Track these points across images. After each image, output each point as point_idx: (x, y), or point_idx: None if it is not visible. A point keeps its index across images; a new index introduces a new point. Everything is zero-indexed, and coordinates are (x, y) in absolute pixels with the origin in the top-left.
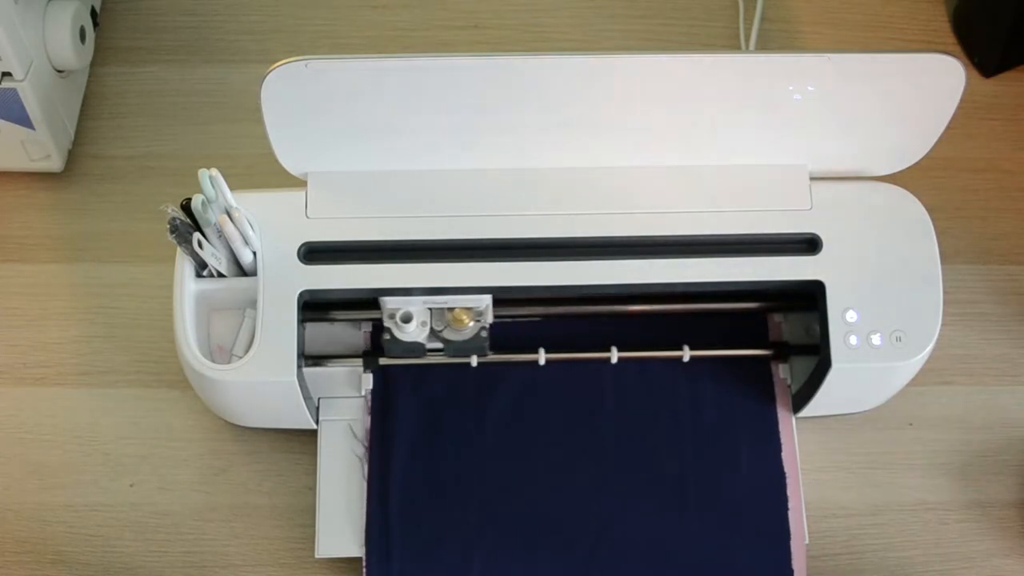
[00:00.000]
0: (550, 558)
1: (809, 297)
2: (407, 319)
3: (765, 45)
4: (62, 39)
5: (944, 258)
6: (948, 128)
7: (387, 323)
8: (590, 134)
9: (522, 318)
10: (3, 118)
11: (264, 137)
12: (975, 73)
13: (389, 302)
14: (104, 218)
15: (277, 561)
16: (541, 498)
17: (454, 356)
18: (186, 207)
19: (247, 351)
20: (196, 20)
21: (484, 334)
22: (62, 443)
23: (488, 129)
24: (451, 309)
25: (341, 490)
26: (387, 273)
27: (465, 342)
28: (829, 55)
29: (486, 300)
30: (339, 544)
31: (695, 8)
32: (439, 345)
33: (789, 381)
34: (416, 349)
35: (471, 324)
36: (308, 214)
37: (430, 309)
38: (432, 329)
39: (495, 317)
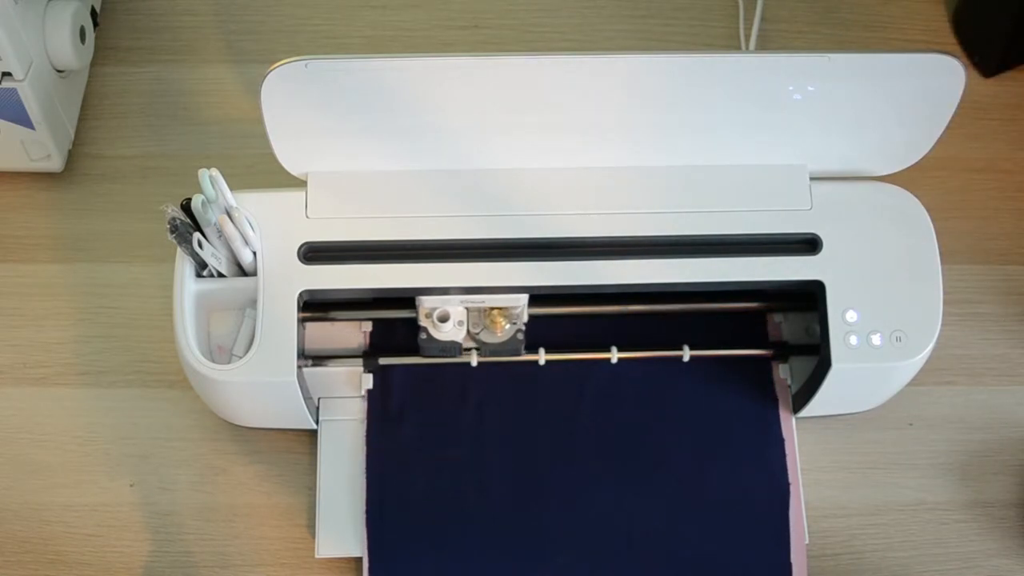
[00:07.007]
0: (550, 557)
1: (809, 297)
2: (444, 318)
3: (765, 45)
4: (62, 39)
5: (944, 258)
6: (948, 128)
7: (423, 322)
8: (588, 135)
9: None
10: (3, 118)
11: (264, 137)
12: (975, 73)
13: (426, 301)
14: (104, 218)
15: (277, 561)
16: (540, 498)
17: (490, 357)
18: (186, 207)
19: (247, 351)
20: (196, 20)
21: (520, 336)
22: (62, 443)
23: (487, 129)
24: (488, 311)
25: (341, 490)
26: (387, 273)
27: (501, 344)
28: (829, 55)
29: (522, 299)
30: (339, 544)
31: (695, 8)
32: (471, 345)
33: (789, 381)
34: (451, 349)
35: (507, 326)
36: (308, 214)
37: (467, 309)
38: (469, 331)
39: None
